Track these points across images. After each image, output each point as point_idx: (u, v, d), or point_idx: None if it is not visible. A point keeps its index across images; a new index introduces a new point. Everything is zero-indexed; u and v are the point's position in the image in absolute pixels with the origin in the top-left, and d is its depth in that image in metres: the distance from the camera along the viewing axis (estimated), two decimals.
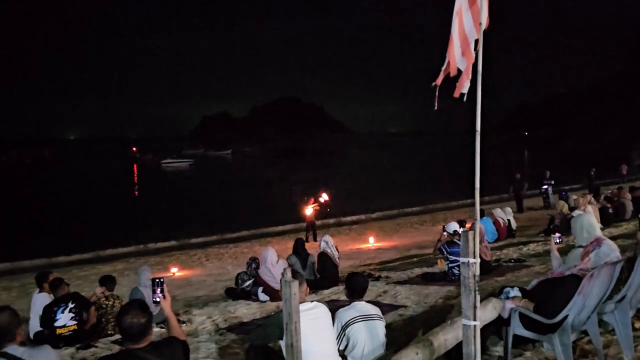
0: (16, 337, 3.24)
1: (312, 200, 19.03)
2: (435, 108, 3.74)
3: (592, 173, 26.31)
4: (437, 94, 3.72)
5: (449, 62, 3.69)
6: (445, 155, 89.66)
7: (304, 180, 43.13)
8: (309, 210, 18.77)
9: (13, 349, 3.19)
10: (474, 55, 3.65)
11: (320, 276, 9.87)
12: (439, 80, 3.71)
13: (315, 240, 17.31)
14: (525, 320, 4.38)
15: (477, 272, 3.52)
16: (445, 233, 10.89)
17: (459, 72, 3.71)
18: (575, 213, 13.05)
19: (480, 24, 3.67)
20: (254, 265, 9.63)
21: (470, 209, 22.64)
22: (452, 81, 3.74)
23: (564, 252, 5.73)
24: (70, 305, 6.93)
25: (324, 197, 19.51)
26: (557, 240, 5.78)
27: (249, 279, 9.43)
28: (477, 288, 3.51)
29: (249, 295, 9.13)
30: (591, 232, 4.94)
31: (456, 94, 3.69)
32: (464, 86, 3.66)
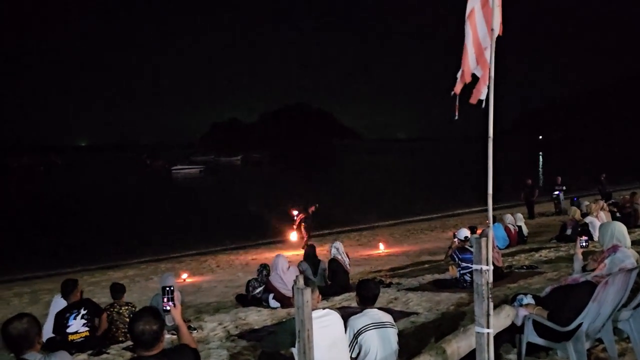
0: (35, 344, 3.26)
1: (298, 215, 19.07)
2: (456, 117, 3.73)
3: (603, 178, 26.02)
4: (457, 103, 3.71)
5: (463, 70, 3.67)
6: (454, 161, 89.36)
7: (311, 188, 43.08)
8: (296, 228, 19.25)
9: (31, 356, 3.21)
10: (488, 61, 3.64)
11: (331, 283, 9.84)
12: (457, 89, 3.69)
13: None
14: (538, 328, 4.34)
15: (490, 279, 3.49)
16: (456, 239, 10.85)
17: (474, 78, 3.70)
18: (588, 219, 12.96)
19: (493, 30, 3.65)
20: (264, 272, 9.62)
21: (480, 215, 22.56)
22: (466, 88, 3.72)
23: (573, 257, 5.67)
24: (83, 312, 6.94)
25: (295, 213, 19.36)
26: (583, 244, 5.69)
27: (260, 286, 9.41)
28: (490, 295, 3.48)
29: (259, 302, 9.12)
30: (621, 241, 4.88)
31: (473, 100, 3.66)
32: (481, 92, 3.64)
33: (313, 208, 19.15)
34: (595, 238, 11.22)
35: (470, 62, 3.65)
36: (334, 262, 9.93)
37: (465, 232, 10.41)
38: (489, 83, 3.62)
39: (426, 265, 13.01)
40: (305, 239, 18.61)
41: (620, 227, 5.07)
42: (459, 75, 3.69)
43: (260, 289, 9.34)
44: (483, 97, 3.63)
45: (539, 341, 4.36)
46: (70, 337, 6.84)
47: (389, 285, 10.03)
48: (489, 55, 3.61)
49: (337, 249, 10.11)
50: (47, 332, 7.06)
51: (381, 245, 17.77)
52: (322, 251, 12.92)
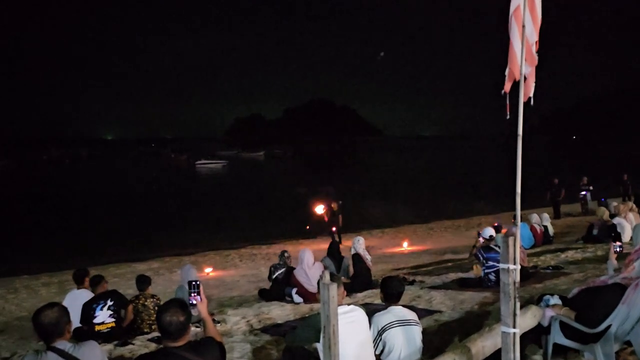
0: (65, 332, 3.33)
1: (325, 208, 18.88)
2: (507, 117, 3.69)
3: (625, 178, 25.38)
4: (507, 102, 3.67)
5: (511, 68, 3.63)
6: (478, 159, 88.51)
7: (333, 184, 43.02)
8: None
9: (61, 344, 3.28)
10: (536, 57, 3.61)
11: (354, 279, 9.83)
12: (507, 88, 3.65)
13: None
14: (565, 329, 4.29)
15: (518, 279, 3.46)
16: (481, 238, 10.77)
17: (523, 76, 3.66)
18: (616, 220, 12.73)
19: (524, 26, 3.61)
20: (285, 255, 9.85)
21: (505, 214, 22.29)
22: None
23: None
24: (109, 303, 7.06)
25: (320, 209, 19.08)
26: (617, 249, 5.61)
27: (282, 267, 9.56)
28: (517, 295, 3.45)
29: (282, 296, 9.16)
30: None
31: (524, 99, 3.63)
32: (531, 90, 3.62)
33: (335, 205, 19.02)
34: (624, 239, 11.03)
35: (518, 59, 3.60)
36: (356, 257, 9.91)
37: (490, 231, 10.32)
38: (520, 80, 3.59)
39: (450, 264, 12.92)
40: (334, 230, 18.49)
41: None
42: (506, 73, 3.65)
43: (282, 270, 9.46)
44: (531, 94, 3.62)
45: (566, 342, 4.31)
46: (97, 328, 6.97)
47: (411, 283, 9.99)
48: (535, 51, 3.58)
49: (360, 245, 10.07)
50: (74, 322, 7.18)
51: (405, 243, 17.70)
52: (344, 247, 12.90)
